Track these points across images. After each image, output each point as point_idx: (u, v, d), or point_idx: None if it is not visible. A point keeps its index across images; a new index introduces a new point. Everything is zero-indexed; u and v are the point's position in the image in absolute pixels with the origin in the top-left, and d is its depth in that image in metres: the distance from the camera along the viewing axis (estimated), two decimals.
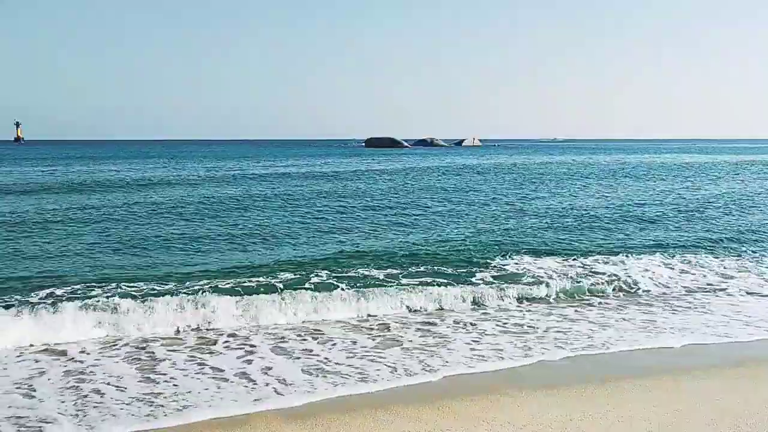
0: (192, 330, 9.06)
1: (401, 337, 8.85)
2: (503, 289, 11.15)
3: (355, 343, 8.58)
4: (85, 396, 6.68)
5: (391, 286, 11.09)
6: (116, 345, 8.40)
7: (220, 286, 10.88)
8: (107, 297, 9.90)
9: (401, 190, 29.88)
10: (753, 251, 15.04)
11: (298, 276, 11.76)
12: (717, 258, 14.18)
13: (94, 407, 6.40)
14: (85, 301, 9.55)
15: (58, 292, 10.48)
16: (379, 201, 24.96)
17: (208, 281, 11.26)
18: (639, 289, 11.68)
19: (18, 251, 14.14)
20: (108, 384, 7.01)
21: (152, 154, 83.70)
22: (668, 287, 11.83)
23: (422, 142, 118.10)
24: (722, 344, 8.74)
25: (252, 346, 8.38)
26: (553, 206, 23.39)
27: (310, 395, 6.73)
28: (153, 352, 8.10)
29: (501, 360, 7.93)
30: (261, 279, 11.55)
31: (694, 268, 13.20)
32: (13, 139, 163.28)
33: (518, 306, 10.63)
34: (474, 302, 10.69)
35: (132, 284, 10.98)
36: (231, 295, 10.08)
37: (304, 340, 8.65)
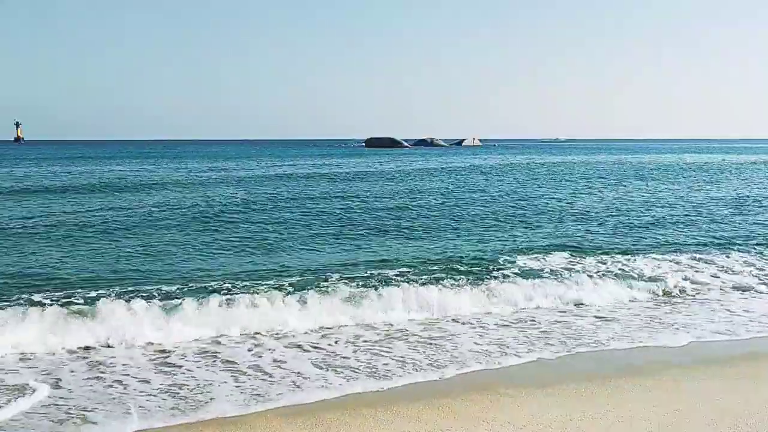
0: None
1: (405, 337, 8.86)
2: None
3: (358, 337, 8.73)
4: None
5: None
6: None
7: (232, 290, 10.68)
8: (127, 300, 9.63)
9: (431, 191, 29.74)
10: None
11: (317, 279, 11.51)
12: (729, 257, 14.10)
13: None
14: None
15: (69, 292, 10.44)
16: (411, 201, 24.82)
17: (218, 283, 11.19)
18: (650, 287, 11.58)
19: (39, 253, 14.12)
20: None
21: (153, 154, 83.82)
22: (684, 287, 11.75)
23: (422, 142, 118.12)
24: (723, 342, 8.74)
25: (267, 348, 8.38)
26: (563, 205, 23.43)
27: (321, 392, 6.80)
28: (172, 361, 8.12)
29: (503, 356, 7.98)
30: (274, 282, 11.32)
31: (708, 266, 13.18)
32: (13, 139, 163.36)
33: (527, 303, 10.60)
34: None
35: (138, 288, 10.84)
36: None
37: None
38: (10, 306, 9.29)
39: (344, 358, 7.92)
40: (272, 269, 12.55)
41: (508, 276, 11.98)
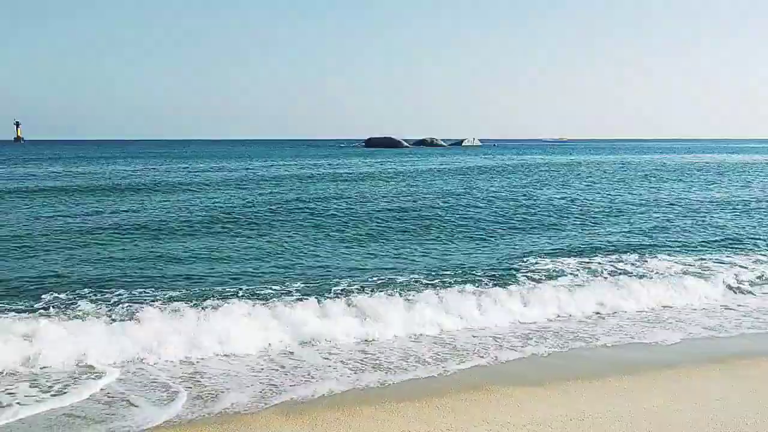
0: None
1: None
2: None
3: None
4: None
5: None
6: None
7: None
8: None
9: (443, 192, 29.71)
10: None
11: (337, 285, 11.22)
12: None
13: None
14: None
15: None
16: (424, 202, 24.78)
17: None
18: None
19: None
20: None
21: (153, 154, 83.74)
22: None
23: (422, 142, 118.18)
24: (725, 341, 8.76)
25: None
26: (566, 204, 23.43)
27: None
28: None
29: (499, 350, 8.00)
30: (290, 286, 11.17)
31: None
32: (13, 139, 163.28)
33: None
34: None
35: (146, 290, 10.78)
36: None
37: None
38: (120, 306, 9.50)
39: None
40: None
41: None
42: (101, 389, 6.81)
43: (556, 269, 12.62)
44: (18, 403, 6.42)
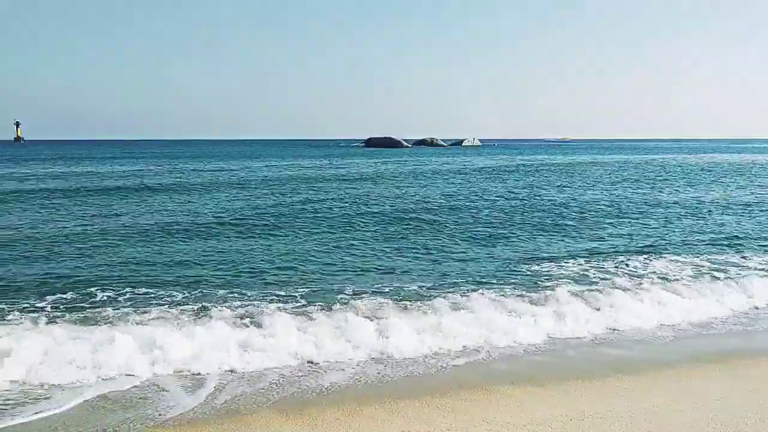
0: None
1: None
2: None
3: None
4: None
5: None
6: None
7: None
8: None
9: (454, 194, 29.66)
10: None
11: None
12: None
13: None
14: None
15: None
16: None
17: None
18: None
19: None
20: None
21: (154, 154, 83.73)
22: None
23: (422, 142, 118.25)
24: (724, 340, 8.76)
25: None
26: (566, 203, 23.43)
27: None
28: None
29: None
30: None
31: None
32: (12, 139, 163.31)
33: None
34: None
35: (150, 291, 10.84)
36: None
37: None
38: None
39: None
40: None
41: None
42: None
43: (574, 273, 12.41)
44: None
